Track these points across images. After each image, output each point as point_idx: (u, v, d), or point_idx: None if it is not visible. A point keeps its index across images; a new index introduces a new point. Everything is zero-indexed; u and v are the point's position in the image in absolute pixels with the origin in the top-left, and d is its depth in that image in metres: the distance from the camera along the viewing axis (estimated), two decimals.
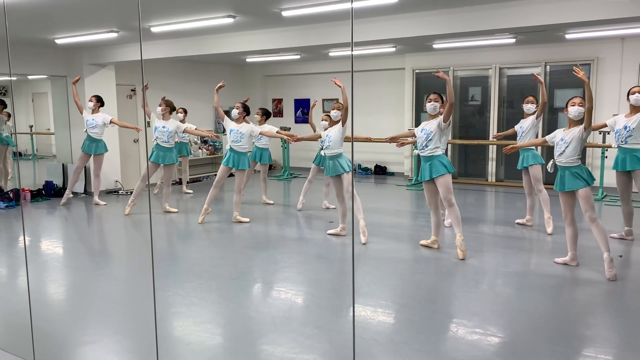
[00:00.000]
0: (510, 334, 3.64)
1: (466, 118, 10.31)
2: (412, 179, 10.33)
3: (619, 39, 8.63)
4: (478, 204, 8.36)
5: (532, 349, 3.37)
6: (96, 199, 8.46)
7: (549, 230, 6.16)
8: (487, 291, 4.45)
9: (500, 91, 9.87)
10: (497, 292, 4.42)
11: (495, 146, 9.90)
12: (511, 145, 5.71)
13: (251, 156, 8.11)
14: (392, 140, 6.04)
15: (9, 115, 9.32)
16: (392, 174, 11.40)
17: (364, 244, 5.84)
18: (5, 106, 9.22)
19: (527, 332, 3.62)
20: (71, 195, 8.56)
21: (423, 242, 5.77)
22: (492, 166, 10.06)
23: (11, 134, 9.33)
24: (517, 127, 6.47)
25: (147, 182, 7.82)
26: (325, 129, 6.22)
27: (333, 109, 6.24)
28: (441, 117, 5.24)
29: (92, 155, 8.30)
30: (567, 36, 8.04)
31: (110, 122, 8.18)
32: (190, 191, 9.72)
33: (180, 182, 10.16)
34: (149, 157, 7.61)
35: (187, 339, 3.59)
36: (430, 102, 5.39)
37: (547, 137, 5.13)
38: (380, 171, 11.50)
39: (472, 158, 10.29)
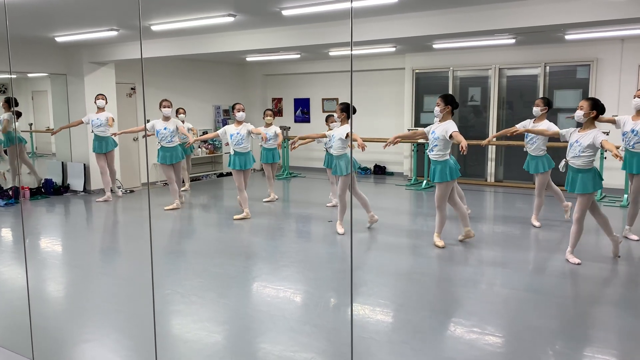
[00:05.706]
0: (509, 333, 3.65)
1: (465, 118, 10.31)
2: (411, 179, 10.33)
3: (619, 39, 8.64)
4: (477, 204, 8.36)
5: (530, 349, 3.38)
6: (108, 194, 8.64)
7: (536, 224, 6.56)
8: (485, 290, 4.46)
9: (499, 91, 9.88)
10: (496, 292, 4.43)
11: (494, 147, 9.91)
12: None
13: (263, 158, 8.38)
14: (395, 141, 5.86)
15: (19, 114, 9.40)
16: (392, 173, 11.40)
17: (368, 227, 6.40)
18: (17, 104, 9.33)
19: (525, 331, 3.63)
20: (109, 194, 8.66)
21: (460, 237, 5.84)
22: (491, 166, 10.07)
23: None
24: (528, 127, 6.39)
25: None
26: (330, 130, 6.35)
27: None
28: (451, 131, 5.33)
29: (105, 153, 8.52)
30: (567, 37, 8.05)
31: (114, 134, 8.47)
32: (188, 188, 9.80)
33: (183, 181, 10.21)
34: (157, 159, 7.88)
35: (186, 337, 3.60)
36: (437, 105, 5.54)
37: (561, 132, 5.18)
38: (380, 171, 11.51)
39: (472, 158, 10.30)
